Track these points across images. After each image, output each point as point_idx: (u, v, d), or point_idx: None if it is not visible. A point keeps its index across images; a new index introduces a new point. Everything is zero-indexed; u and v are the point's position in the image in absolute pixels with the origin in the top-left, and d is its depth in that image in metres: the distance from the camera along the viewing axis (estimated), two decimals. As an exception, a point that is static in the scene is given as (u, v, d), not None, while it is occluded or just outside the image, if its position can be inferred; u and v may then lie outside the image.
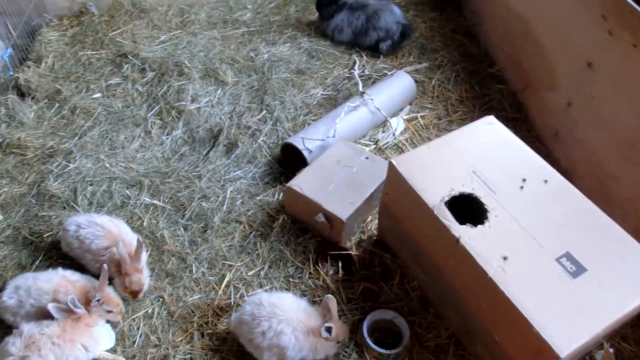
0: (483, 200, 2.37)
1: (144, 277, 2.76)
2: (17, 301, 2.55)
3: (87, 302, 2.54)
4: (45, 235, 3.07)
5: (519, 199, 2.37)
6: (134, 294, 2.74)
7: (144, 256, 2.84)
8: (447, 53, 4.46)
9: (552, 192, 2.41)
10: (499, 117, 2.77)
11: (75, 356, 2.44)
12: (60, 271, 2.69)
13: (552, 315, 1.99)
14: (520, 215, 2.30)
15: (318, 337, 2.43)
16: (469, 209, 2.40)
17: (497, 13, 4.32)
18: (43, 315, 2.49)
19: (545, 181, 2.45)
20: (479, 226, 2.29)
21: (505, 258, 2.17)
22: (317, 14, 4.71)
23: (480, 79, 4.22)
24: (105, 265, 2.57)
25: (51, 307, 2.41)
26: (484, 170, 2.48)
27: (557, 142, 3.58)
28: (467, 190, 2.41)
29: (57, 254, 2.99)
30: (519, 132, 2.75)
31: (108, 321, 2.67)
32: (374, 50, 4.46)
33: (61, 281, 2.60)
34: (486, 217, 2.32)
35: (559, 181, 2.46)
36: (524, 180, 2.44)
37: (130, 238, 2.82)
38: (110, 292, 2.64)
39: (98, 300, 2.52)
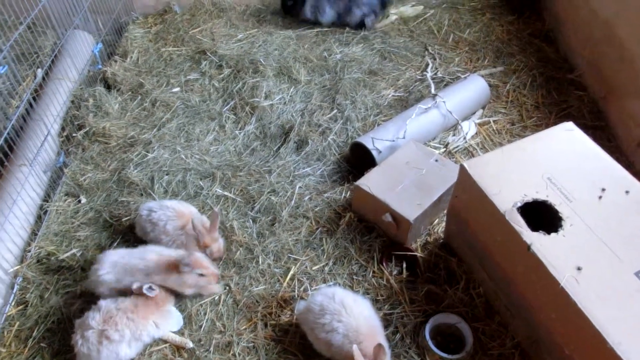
0: (558, 208, 2.30)
1: (221, 245, 2.95)
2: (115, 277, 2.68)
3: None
4: (123, 220, 3.25)
5: (597, 209, 2.28)
6: (218, 261, 2.95)
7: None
8: (523, 57, 4.34)
9: (634, 203, 2.30)
10: (577, 125, 2.67)
11: (148, 332, 2.58)
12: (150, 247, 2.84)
13: (628, 331, 1.91)
14: (597, 225, 2.21)
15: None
16: (542, 217, 2.33)
17: (579, 17, 4.16)
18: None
19: (627, 192, 2.34)
20: (553, 234, 2.22)
21: (579, 269, 2.09)
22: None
23: (557, 84, 4.08)
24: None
25: (135, 285, 2.58)
26: (560, 177, 2.40)
27: (640, 153, 3.40)
28: (541, 197, 2.35)
29: (134, 237, 3.15)
30: (598, 141, 2.62)
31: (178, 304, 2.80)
32: (360, 27, 4.67)
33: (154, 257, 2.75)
34: (560, 226, 2.25)
35: (642, 193, 2.34)
36: (603, 190, 2.34)
37: (200, 218, 2.98)
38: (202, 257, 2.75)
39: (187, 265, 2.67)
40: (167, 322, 2.68)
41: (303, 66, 4.29)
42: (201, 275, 2.70)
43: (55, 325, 2.78)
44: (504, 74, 4.22)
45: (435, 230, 3.13)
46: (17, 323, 2.78)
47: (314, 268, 2.98)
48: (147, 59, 4.48)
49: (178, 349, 2.67)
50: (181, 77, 4.28)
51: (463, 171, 2.52)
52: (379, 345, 2.23)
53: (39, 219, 3.30)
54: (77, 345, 2.48)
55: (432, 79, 4.05)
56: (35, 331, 2.75)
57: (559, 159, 2.49)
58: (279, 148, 3.69)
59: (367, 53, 4.45)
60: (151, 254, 2.74)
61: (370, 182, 3.04)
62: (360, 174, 3.21)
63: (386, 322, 2.67)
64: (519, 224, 2.26)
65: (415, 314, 2.75)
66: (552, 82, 4.11)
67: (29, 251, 3.07)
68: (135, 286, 2.58)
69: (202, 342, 2.70)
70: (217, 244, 2.91)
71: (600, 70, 3.83)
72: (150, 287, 2.56)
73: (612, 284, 2.04)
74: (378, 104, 3.98)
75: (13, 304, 2.87)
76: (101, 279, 2.68)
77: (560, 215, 2.27)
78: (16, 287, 2.93)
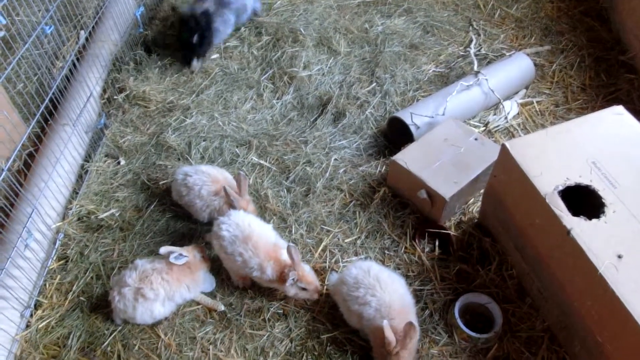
0: (601, 193, 2.24)
1: (252, 206, 2.95)
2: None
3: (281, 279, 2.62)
4: (160, 183, 3.32)
5: (643, 197, 2.21)
6: None
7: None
8: (573, 36, 4.18)
9: (682, 193, 2.22)
10: (626, 110, 2.58)
11: (180, 293, 2.65)
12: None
13: (667, 323, 1.87)
14: (642, 213, 2.15)
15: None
16: (583, 202, 2.28)
17: (637, -4, 3.96)
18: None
19: (676, 181, 2.26)
20: (594, 220, 2.17)
21: (620, 256, 2.04)
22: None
23: (608, 66, 3.93)
24: (292, 245, 2.54)
25: (163, 250, 2.63)
26: (606, 162, 2.33)
27: (690, 142, 3.26)
28: (585, 181, 2.29)
29: (169, 201, 3.22)
30: (648, 127, 2.54)
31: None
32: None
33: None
34: (602, 212, 2.19)
35: (691, 182, 2.26)
36: (651, 177, 2.27)
37: (234, 184, 2.99)
38: (306, 270, 2.64)
39: (293, 279, 2.58)
40: (199, 286, 2.75)
41: (343, 37, 4.23)
42: (303, 289, 2.64)
43: (94, 281, 2.88)
44: (550, 53, 4.08)
45: (470, 209, 3.10)
46: (58, 277, 2.89)
47: (346, 240, 3.00)
48: (187, 24, 4.48)
49: (210, 311, 2.74)
50: (220, 43, 4.27)
51: (504, 151, 2.47)
52: (410, 324, 2.24)
53: (79, 178, 3.39)
54: (114, 301, 2.57)
55: (476, 55, 3.94)
56: (75, 285, 2.86)
57: (606, 144, 2.42)
58: (315, 119, 3.67)
59: (409, 26, 4.35)
60: None
61: (406, 157, 3.01)
62: (397, 149, 3.18)
63: (416, 298, 2.67)
64: (560, 208, 2.21)
65: (445, 291, 2.75)
66: (602, 63, 3.96)
67: (71, 209, 3.17)
68: (162, 250, 2.62)
69: (233, 306, 2.76)
70: (251, 207, 2.92)
71: (655, 53, 3.67)
72: (178, 255, 2.61)
73: (654, 274, 1.99)
74: (418, 79, 3.91)
75: (55, 258, 2.98)
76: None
77: (603, 201, 2.22)
78: (58, 242, 3.04)
